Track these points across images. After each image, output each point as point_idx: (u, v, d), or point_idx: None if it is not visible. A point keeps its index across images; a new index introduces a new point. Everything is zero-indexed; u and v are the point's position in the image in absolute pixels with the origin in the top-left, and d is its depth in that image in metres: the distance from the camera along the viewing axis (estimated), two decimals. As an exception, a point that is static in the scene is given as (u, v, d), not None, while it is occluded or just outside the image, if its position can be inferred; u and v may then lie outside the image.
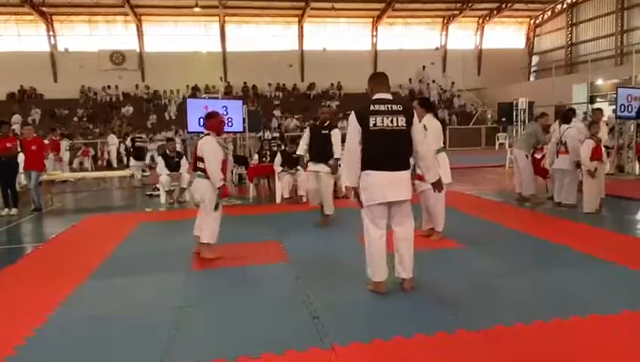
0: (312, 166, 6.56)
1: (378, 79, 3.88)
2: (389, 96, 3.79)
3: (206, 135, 5.10)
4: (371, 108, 3.66)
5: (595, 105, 14.06)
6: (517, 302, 3.66)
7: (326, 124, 6.56)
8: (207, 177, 4.93)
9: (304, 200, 8.34)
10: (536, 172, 8.13)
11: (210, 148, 4.93)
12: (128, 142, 11.72)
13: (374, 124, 3.60)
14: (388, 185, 3.65)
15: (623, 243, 5.41)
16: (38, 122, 21.23)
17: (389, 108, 3.65)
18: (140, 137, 11.72)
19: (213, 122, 5.10)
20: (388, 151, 3.63)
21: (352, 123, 3.69)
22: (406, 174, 3.73)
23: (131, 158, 11.45)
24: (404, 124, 3.65)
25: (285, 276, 4.40)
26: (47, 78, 24.79)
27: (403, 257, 3.80)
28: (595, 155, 6.79)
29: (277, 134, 15.79)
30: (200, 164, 4.98)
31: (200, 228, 5.04)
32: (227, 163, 5.17)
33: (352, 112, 3.75)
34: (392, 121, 3.62)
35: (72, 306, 3.80)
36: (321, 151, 6.39)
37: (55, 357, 2.99)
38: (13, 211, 8.30)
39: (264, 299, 3.81)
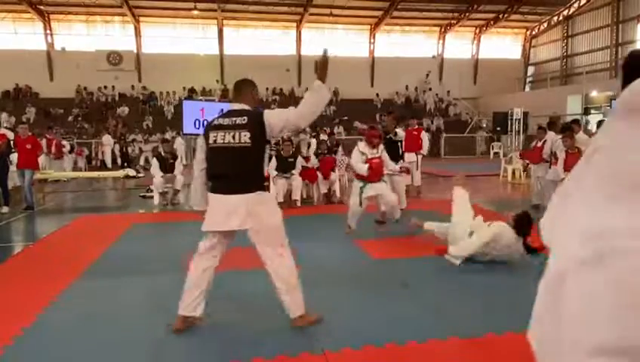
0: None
1: (236, 87, 3.41)
2: (244, 107, 3.27)
3: None
4: (215, 122, 3.26)
5: (591, 117, 14.15)
6: (512, 310, 3.65)
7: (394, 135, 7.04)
8: None
9: (298, 204, 8.34)
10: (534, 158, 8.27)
11: None
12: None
13: (214, 140, 3.18)
14: (222, 211, 3.16)
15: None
16: (33, 121, 21.09)
17: (233, 122, 3.15)
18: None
19: None
20: (224, 170, 3.16)
21: (199, 138, 3.39)
22: (243, 199, 3.12)
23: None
24: (248, 140, 3.10)
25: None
26: (43, 77, 24.61)
27: (282, 296, 3.32)
28: (567, 167, 6.92)
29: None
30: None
31: None
32: None
33: None
34: (233, 137, 3.12)
35: (62, 306, 3.77)
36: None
37: (43, 356, 2.96)
38: (5, 209, 8.23)
39: (255, 304, 3.79)
